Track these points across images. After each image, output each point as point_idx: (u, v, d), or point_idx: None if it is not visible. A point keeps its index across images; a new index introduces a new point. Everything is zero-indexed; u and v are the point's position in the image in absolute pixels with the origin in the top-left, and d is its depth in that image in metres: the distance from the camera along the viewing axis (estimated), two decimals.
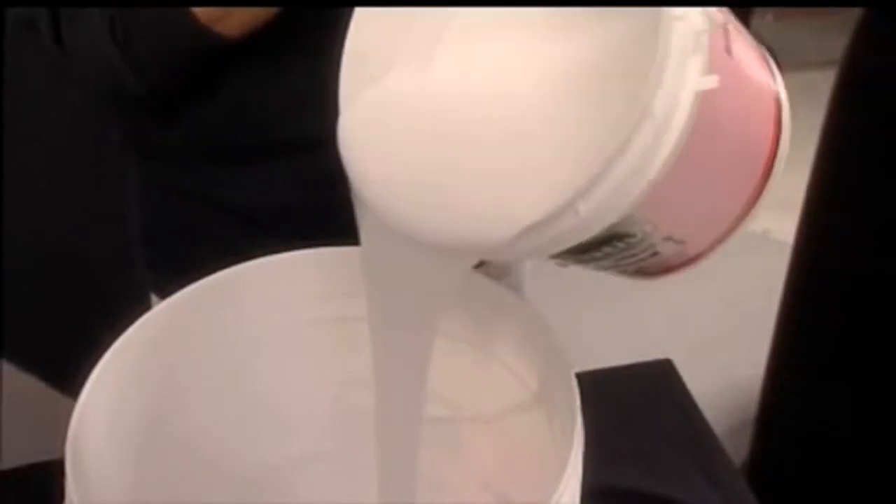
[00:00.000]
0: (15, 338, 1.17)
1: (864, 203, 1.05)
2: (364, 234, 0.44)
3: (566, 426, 0.43)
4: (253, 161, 0.70)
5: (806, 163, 1.09)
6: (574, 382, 0.44)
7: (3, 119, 1.08)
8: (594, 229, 0.37)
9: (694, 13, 0.35)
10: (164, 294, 0.51)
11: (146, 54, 0.61)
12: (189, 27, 0.59)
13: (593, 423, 0.43)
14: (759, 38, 0.36)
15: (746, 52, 0.40)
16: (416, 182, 0.41)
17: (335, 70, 0.44)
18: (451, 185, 0.40)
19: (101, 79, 0.65)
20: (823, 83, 1.10)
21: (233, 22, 0.59)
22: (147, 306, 0.51)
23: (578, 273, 0.47)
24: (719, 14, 0.36)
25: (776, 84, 0.43)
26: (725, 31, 0.37)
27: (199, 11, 0.58)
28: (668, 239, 0.41)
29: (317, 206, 0.68)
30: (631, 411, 0.80)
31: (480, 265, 0.50)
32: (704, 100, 0.35)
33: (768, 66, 0.43)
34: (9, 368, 1.19)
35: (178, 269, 0.51)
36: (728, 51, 0.38)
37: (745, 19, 0.38)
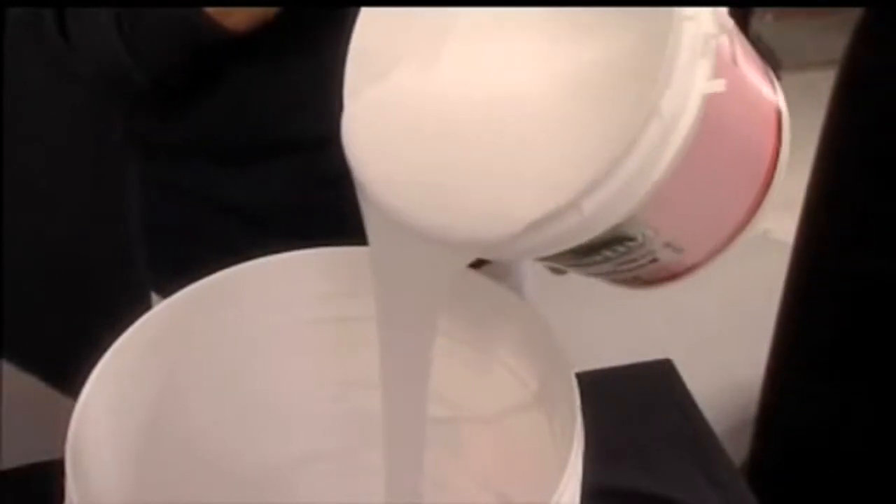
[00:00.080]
0: (15, 338, 1.17)
1: (864, 203, 1.05)
2: (368, 229, 0.44)
3: (566, 426, 0.43)
4: (253, 160, 0.70)
5: (806, 163, 1.09)
6: (574, 382, 0.44)
7: (3, 119, 1.08)
8: (597, 229, 0.37)
9: (705, 16, 0.35)
10: (164, 293, 0.51)
11: (151, 46, 0.61)
12: (196, 20, 0.59)
13: (593, 423, 0.43)
14: (759, 38, 0.36)
15: (750, 62, 0.40)
16: (419, 178, 0.41)
17: (336, 69, 0.44)
18: (455, 181, 0.40)
19: (105, 71, 0.65)
20: (823, 83, 1.10)
21: (239, 16, 0.59)
22: (147, 306, 0.51)
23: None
24: (729, 20, 0.36)
25: (777, 95, 0.43)
26: (731, 38, 0.37)
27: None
28: (668, 245, 0.41)
29: (317, 206, 0.68)
30: (631, 411, 0.80)
31: (481, 266, 0.50)
32: (710, 104, 0.35)
33: (769, 77, 0.43)
34: (9, 368, 1.19)
35: (178, 269, 0.51)
36: (734, 59, 0.38)
37: (745, 19, 0.38)
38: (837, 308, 1.12)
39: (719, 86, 0.35)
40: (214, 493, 0.55)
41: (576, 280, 0.49)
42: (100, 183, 1.14)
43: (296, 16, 0.60)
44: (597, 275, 0.45)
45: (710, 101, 0.35)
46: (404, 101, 0.42)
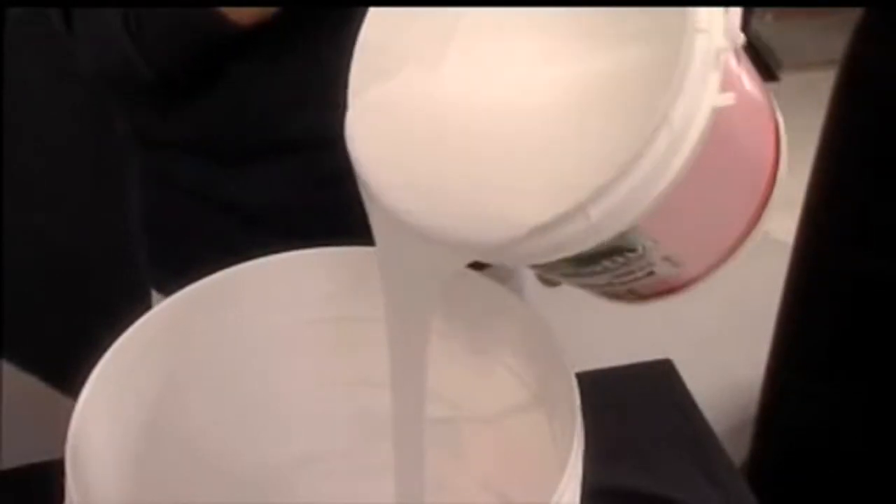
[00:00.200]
0: (15, 338, 1.17)
1: (863, 203, 1.05)
2: (372, 225, 0.44)
3: (566, 426, 0.43)
4: (253, 160, 0.70)
5: (806, 163, 1.09)
6: (574, 382, 0.44)
7: (3, 119, 1.08)
8: (602, 236, 0.37)
9: (717, 29, 0.35)
10: (165, 291, 0.51)
11: (157, 38, 0.61)
12: (203, 13, 0.59)
13: (593, 423, 0.43)
14: (759, 38, 0.36)
15: (753, 77, 0.41)
16: (423, 179, 0.41)
17: (337, 70, 0.44)
18: (460, 183, 0.40)
19: (109, 65, 0.65)
20: (823, 83, 1.10)
21: (246, 10, 0.59)
22: (147, 306, 0.51)
23: None
24: (740, 35, 0.36)
25: (776, 111, 0.44)
26: (737, 54, 0.38)
27: None
28: (667, 259, 0.41)
29: (317, 206, 0.68)
30: (631, 411, 0.80)
31: (483, 268, 0.50)
32: (717, 116, 0.36)
33: (769, 95, 0.43)
34: (9, 368, 1.19)
35: (178, 267, 0.52)
36: (739, 74, 0.38)
37: (745, 19, 0.38)
38: (837, 308, 1.12)
39: (728, 99, 0.35)
40: (214, 493, 0.55)
41: None
42: (100, 183, 1.14)
43: (295, 15, 0.60)
44: (591, 286, 0.46)
45: (717, 114, 0.36)
46: (410, 101, 0.42)
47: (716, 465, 0.76)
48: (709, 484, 0.74)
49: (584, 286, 0.46)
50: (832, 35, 1.29)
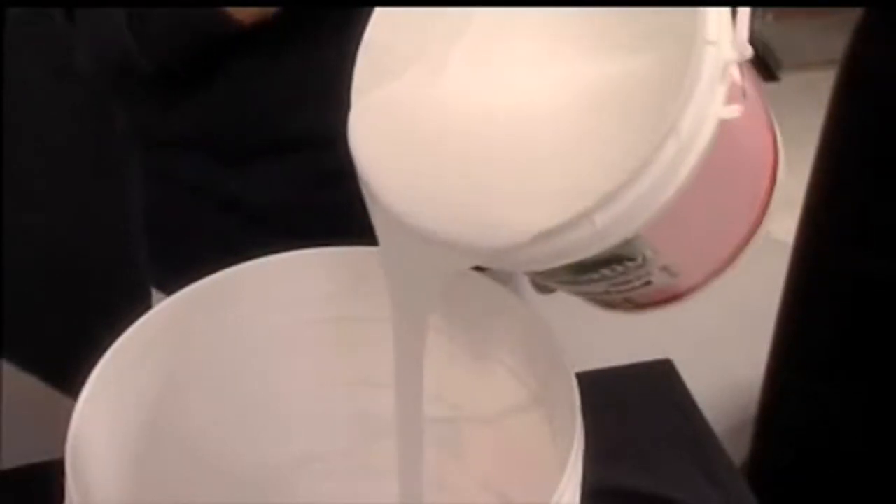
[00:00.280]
0: (15, 338, 1.17)
1: (863, 203, 1.05)
2: (374, 223, 0.44)
3: (566, 426, 0.43)
4: (253, 158, 0.70)
5: (806, 163, 1.09)
6: (574, 382, 0.44)
7: (3, 119, 1.08)
8: (606, 243, 0.37)
9: (725, 42, 0.36)
10: (166, 289, 0.51)
11: (159, 33, 0.61)
12: (207, 10, 0.59)
13: (593, 423, 0.43)
14: (759, 38, 0.36)
15: (754, 86, 0.41)
16: (426, 181, 0.41)
17: (337, 69, 0.44)
18: (463, 186, 0.40)
19: (109, 56, 0.65)
20: (823, 83, 1.10)
21: (249, 8, 0.59)
22: (148, 305, 0.51)
23: None
24: (748, 48, 0.36)
25: (775, 126, 0.44)
26: (742, 67, 0.38)
27: None
28: (665, 269, 0.41)
29: (317, 205, 0.68)
30: (631, 411, 0.80)
31: (485, 269, 0.50)
32: (722, 128, 0.36)
33: (767, 103, 0.43)
34: (9, 368, 1.19)
35: (179, 265, 0.52)
36: (744, 87, 0.38)
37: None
38: (837, 308, 1.12)
39: (734, 112, 0.36)
40: (214, 493, 0.55)
41: None
42: (100, 183, 1.14)
43: (295, 13, 0.60)
44: (587, 294, 0.46)
45: (722, 127, 0.36)
46: (413, 103, 0.42)
47: (716, 465, 0.76)
48: (709, 484, 0.74)
49: (579, 294, 0.46)
50: (832, 35, 1.29)
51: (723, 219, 0.43)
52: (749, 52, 0.36)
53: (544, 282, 0.47)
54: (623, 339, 0.94)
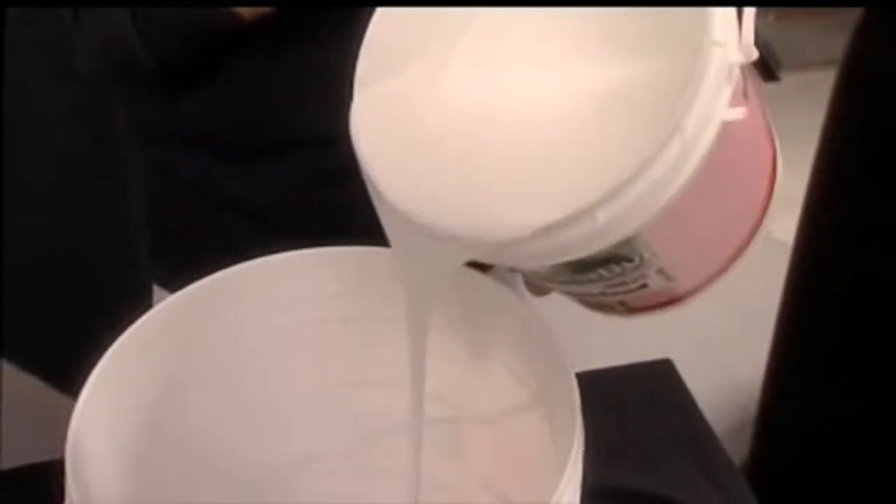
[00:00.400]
0: (15, 338, 1.17)
1: (864, 203, 1.05)
2: (380, 217, 0.44)
3: (566, 426, 0.43)
4: (254, 157, 0.70)
5: (806, 163, 1.09)
6: (574, 382, 0.44)
7: (3, 119, 1.08)
8: (606, 240, 0.37)
9: (732, 44, 0.36)
10: (168, 286, 0.51)
11: (162, 27, 0.61)
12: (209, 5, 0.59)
13: (593, 423, 0.43)
14: (759, 38, 0.36)
15: (756, 94, 0.41)
16: (428, 176, 0.41)
17: (338, 68, 0.44)
18: (465, 181, 0.40)
19: (111, 51, 0.65)
20: (823, 83, 1.10)
21: (252, 6, 0.59)
22: (148, 305, 0.51)
23: None
24: (754, 51, 0.36)
25: (773, 128, 0.44)
26: (744, 72, 0.38)
27: None
28: (661, 272, 0.42)
29: (318, 205, 0.68)
30: (631, 411, 0.80)
31: (486, 270, 0.50)
32: (725, 131, 0.36)
33: (766, 111, 0.43)
34: (9, 368, 1.19)
35: (181, 262, 0.51)
36: (746, 91, 0.38)
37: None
38: (837, 308, 1.12)
39: (738, 114, 0.36)
40: (214, 493, 0.55)
41: None
42: (100, 182, 1.14)
43: (294, 12, 0.60)
44: (582, 295, 0.46)
45: (724, 129, 0.36)
46: (416, 101, 0.42)
47: (716, 465, 0.76)
48: (709, 484, 0.74)
49: (575, 295, 0.46)
50: (832, 35, 1.29)
51: (722, 221, 0.43)
52: (755, 54, 0.36)
53: (541, 282, 0.47)
54: (623, 339, 0.94)
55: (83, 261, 1.28)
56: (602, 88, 0.39)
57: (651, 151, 0.35)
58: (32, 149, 1.19)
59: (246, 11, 0.59)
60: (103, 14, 0.63)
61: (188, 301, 0.51)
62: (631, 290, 0.43)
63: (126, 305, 0.54)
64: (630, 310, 0.46)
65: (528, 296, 0.53)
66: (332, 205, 0.63)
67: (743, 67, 0.37)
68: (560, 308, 0.52)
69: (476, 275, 0.51)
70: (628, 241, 0.38)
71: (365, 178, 0.42)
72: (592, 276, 0.41)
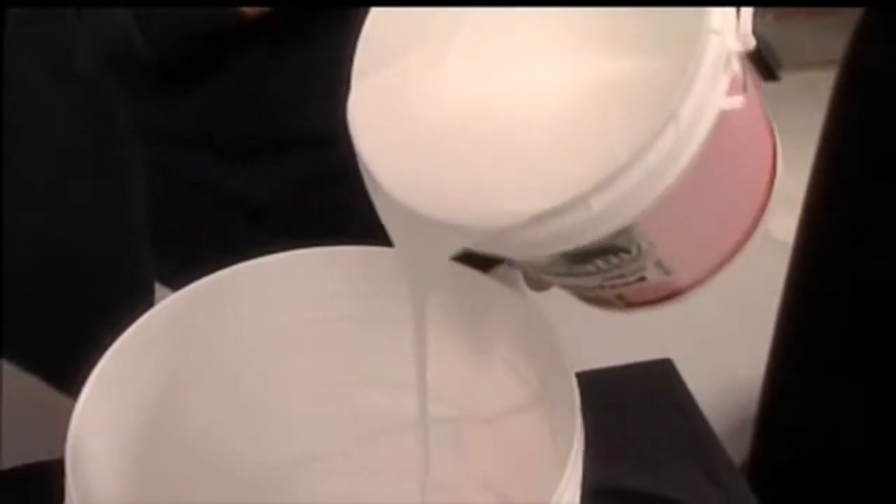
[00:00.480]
0: (15, 338, 1.17)
1: (864, 203, 1.05)
2: (376, 206, 0.43)
3: (566, 426, 0.43)
4: (254, 155, 0.70)
5: (806, 163, 1.09)
6: (574, 382, 0.44)
7: (3, 119, 1.08)
8: (602, 230, 0.37)
9: (729, 33, 0.36)
10: (170, 284, 0.51)
11: (164, 22, 0.61)
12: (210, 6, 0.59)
13: (593, 423, 0.43)
14: (759, 38, 0.36)
15: (756, 90, 0.41)
16: (426, 166, 0.40)
17: (338, 68, 0.44)
18: (462, 171, 0.40)
19: (114, 47, 0.65)
20: (823, 83, 1.10)
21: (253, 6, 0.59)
22: (149, 304, 0.51)
23: None
24: (752, 39, 0.36)
25: (774, 128, 0.44)
26: (744, 62, 0.38)
27: None
28: (659, 265, 0.41)
29: (319, 205, 0.68)
30: (631, 411, 0.80)
31: (486, 270, 0.50)
32: (722, 121, 0.36)
33: (766, 108, 0.43)
34: (9, 368, 1.19)
35: (183, 260, 0.51)
36: (744, 82, 0.38)
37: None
38: (837, 308, 1.12)
39: (736, 103, 0.36)
40: (214, 493, 0.55)
41: None
42: (100, 182, 1.14)
43: (293, 10, 0.60)
44: (581, 288, 0.46)
45: (722, 118, 0.36)
46: (413, 93, 0.42)
47: (716, 465, 0.76)
48: (709, 484, 0.74)
49: (573, 288, 0.46)
50: (832, 35, 1.29)
51: (720, 214, 0.43)
52: (752, 43, 0.36)
53: (539, 275, 0.47)
54: (623, 339, 0.94)
55: (83, 261, 1.27)
56: (601, 81, 0.39)
57: (646, 139, 0.35)
58: (32, 149, 1.19)
59: (249, 8, 0.59)
60: (106, 11, 0.63)
61: (188, 301, 0.51)
62: (629, 284, 0.43)
63: (126, 305, 0.54)
64: (628, 304, 0.46)
65: (528, 295, 0.53)
66: (332, 204, 0.63)
67: (743, 60, 0.37)
68: (561, 307, 0.52)
69: (477, 274, 0.51)
70: (625, 231, 0.38)
71: (361, 166, 0.42)
72: (590, 267, 0.41)
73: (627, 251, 0.40)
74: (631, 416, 0.79)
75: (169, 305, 0.50)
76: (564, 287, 0.47)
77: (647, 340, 0.88)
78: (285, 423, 0.58)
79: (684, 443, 0.77)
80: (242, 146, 0.69)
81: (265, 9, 0.59)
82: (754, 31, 0.37)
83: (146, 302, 0.73)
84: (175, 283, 0.51)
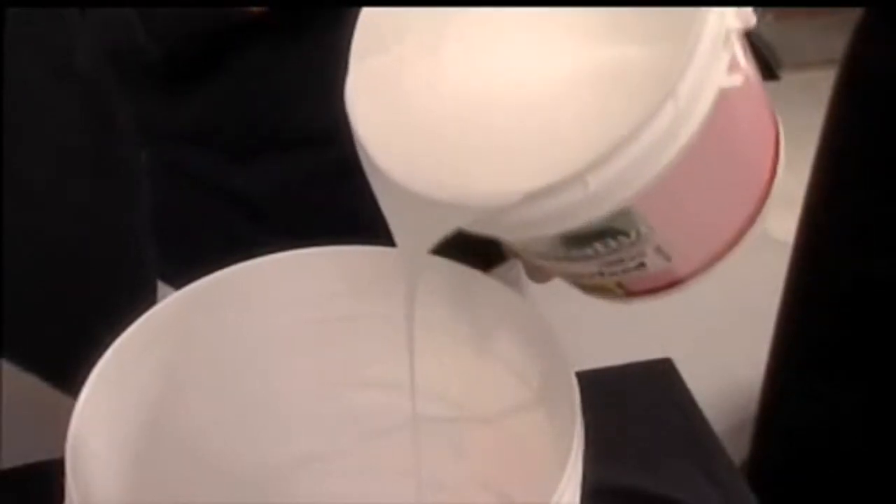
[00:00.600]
0: (15, 338, 1.16)
1: (864, 203, 1.05)
2: (372, 185, 0.43)
3: (566, 426, 0.43)
4: (256, 153, 0.70)
5: (806, 163, 1.09)
6: (574, 381, 0.44)
7: (3, 119, 1.08)
8: (599, 209, 0.37)
9: (729, 10, 0.35)
10: (172, 282, 0.51)
11: (168, 17, 0.61)
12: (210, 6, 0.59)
13: (593, 423, 0.43)
14: (759, 38, 0.36)
15: (757, 78, 0.41)
16: (422, 145, 0.40)
17: (341, 65, 0.44)
18: (461, 150, 0.39)
19: (116, 42, 0.65)
20: (823, 83, 1.10)
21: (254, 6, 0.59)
22: (152, 302, 0.51)
23: None
24: (752, 17, 0.36)
25: (776, 117, 0.43)
26: (743, 43, 0.38)
27: None
28: (659, 251, 0.41)
29: (320, 204, 0.68)
30: (631, 411, 0.80)
31: (487, 270, 0.50)
32: (722, 101, 0.35)
33: (768, 99, 0.43)
34: (9, 368, 1.19)
35: (185, 258, 0.51)
36: (746, 72, 0.38)
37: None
38: (837, 308, 1.12)
39: (736, 80, 0.35)
40: (214, 493, 0.55)
41: None
42: (100, 182, 1.13)
43: (294, 8, 0.60)
44: (579, 275, 0.45)
45: (722, 99, 0.35)
46: (412, 70, 0.42)
47: (716, 465, 0.76)
48: (709, 484, 0.74)
49: (573, 276, 0.46)
50: (832, 35, 1.29)
51: (720, 199, 0.42)
52: (753, 20, 0.36)
53: (537, 261, 0.47)
54: (623, 338, 0.94)
55: (83, 261, 1.27)
56: (600, 66, 0.38)
57: (644, 115, 0.34)
58: (32, 149, 1.19)
59: (259, 8, 0.59)
60: (110, 10, 0.63)
61: (188, 300, 0.51)
62: (628, 270, 0.42)
63: (127, 305, 0.54)
64: (628, 293, 0.45)
65: (529, 293, 0.53)
66: (333, 203, 0.63)
67: (745, 48, 0.37)
68: (561, 307, 0.53)
69: (477, 274, 0.51)
70: (624, 213, 0.37)
71: (358, 149, 0.42)
72: (589, 251, 0.40)
73: (626, 234, 0.39)
74: (631, 415, 0.79)
75: (169, 305, 0.50)
76: (564, 276, 0.46)
77: (648, 340, 0.88)
78: (285, 423, 0.58)
79: (684, 443, 0.77)
80: (243, 145, 0.69)
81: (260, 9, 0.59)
82: (753, 32, 0.37)
83: (148, 301, 0.73)
84: (177, 281, 0.51)
